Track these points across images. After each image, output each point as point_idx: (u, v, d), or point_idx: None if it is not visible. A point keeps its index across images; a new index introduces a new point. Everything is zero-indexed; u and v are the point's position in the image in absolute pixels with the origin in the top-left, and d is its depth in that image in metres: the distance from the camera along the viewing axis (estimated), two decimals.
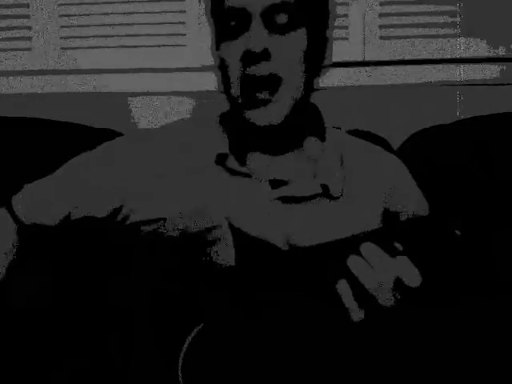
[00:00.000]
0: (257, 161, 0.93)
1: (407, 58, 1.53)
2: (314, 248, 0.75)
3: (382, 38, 1.54)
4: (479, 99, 1.48)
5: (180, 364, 0.73)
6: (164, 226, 0.89)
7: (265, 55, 0.84)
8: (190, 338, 0.74)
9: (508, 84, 1.48)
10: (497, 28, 1.50)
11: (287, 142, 0.94)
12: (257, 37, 0.84)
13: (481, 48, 1.51)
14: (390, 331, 0.84)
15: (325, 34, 0.93)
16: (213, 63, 1.61)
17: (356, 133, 1.35)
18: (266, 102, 0.86)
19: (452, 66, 1.49)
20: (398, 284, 0.70)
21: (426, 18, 1.53)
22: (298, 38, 0.87)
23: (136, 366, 0.78)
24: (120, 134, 1.42)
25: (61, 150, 1.39)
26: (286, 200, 0.90)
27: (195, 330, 0.74)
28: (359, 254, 0.72)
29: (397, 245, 0.71)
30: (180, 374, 0.73)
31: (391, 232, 0.72)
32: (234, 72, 0.87)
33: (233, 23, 0.86)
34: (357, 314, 0.72)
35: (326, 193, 0.91)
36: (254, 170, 0.92)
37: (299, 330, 0.80)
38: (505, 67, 1.48)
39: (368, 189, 0.95)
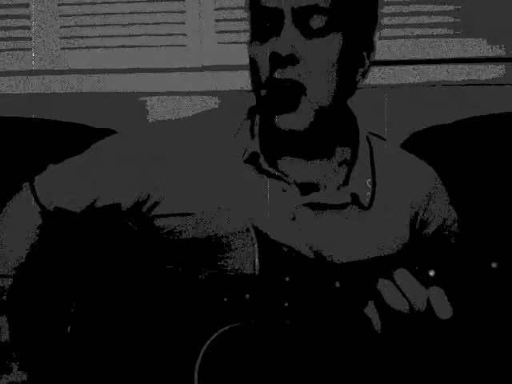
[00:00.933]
0: (288, 164, 0.91)
1: (407, 58, 1.52)
2: (344, 265, 0.75)
3: (381, 38, 1.54)
4: (479, 99, 1.48)
5: (197, 368, 0.73)
6: (188, 224, 0.87)
7: (291, 60, 0.81)
8: (208, 343, 0.74)
9: (508, 84, 1.48)
10: (497, 28, 1.50)
11: (316, 147, 0.91)
12: (285, 39, 0.81)
13: (481, 48, 1.51)
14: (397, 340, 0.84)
15: (368, 39, 0.90)
16: (212, 63, 1.61)
17: None
18: (290, 109, 0.83)
19: (452, 65, 1.49)
20: (429, 314, 0.69)
21: (425, 18, 1.52)
22: (331, 43, 0.83)
23: (150, 371, 0.78)
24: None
25: (61, 150, 1.39)
26: (314, 207, 0.88)
27: (214, 335, 0.74)
28: (390, 277, 0.70)
29: (431, 273, 0.70)
30: (196, 377, 0.73)
31: (425, 255, 0.72)
32: (262, 73, 0.84)
33: (266, 23, 0.84)
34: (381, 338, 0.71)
35: (355, 201, 0.89)
36: (285, 172, 0.90)
37: (319, 343, 0.80)
38: (505, 67, 1.48)
39: (398, 198, 0.93)
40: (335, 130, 0.91)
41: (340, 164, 0.92)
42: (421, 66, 1.50)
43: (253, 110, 0.95)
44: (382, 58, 1.54)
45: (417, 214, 0.95)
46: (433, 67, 1.50)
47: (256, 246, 0.75)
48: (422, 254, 0.74)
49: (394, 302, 0.70)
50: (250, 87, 0.90)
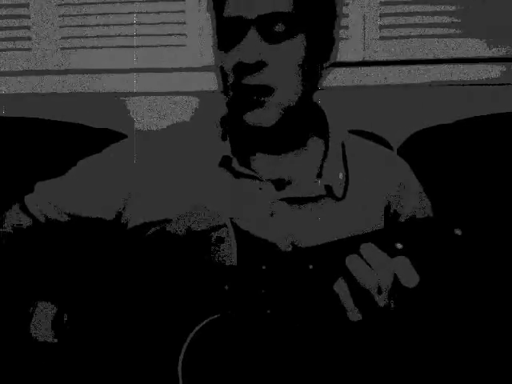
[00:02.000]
0: (260, 161, 0.93)
1: (407, 58, 1.53)
2: (315, 248, 0.75)
3: (382, 38, 1.54)
4: (479, 99, 1.48)
5: (181, 360, 0.74)
6: (169, 226, 0.89)
7: (257, 66, 0.84)
8: (192, 334, 0.75)
9: (508, 84, 1.48)
10: (497, 28, 1.50)
11: (287, 141, 0.93)
12: (249, 48, 0.84)
13: (481, 48, 1.51)
14: (387, 332, 0.84)
15: (329, 36, 0.92)
16: (212, 63, 1.61)
17: (356, 133, 1.35)
18: (258, 105, 0.86)
19: (452, 65, 1.49)
20: (397, 284, 0.70)
21: (425, 18, 1.52)
22: (296, 46, 0.85)
23: (135, 362, 0.79)
24: (120, 134, 1.43)
25: (61, 150, 1.39)
26: (290, 201, 0.90)
27: (198, 326, 0.75)
28: (359, 254, 0.71)
29: (398, 245, 0.71)
30: (180, 370, 0.74)
31: (392, 232, 0.72)
32: (230, 80, 0.87)
33: (230, 32, 0.86)
34: (355, 314, 0.72)
35: (330, 193, 0.91)
36: (258, 170, 0.92)
37: (300, 330, 0.80)
38: (505, 67, 1.48)
39: (371, 189, 0.95)
40: (303, 125, 0.94)
41: (313, 158, 0.95)
42: (421, 66, 1.50)
43: (224, 118, 0.99)
44: (382, 58, 1.54)
45: (390, 203, 0.97)
46: (433, 67, 1.50)
47: (233, 239, 0.78)
48: (390, 231, 0.74)
49: (361, 275, 0.70)
50: None
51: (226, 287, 0.76)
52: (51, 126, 1.43)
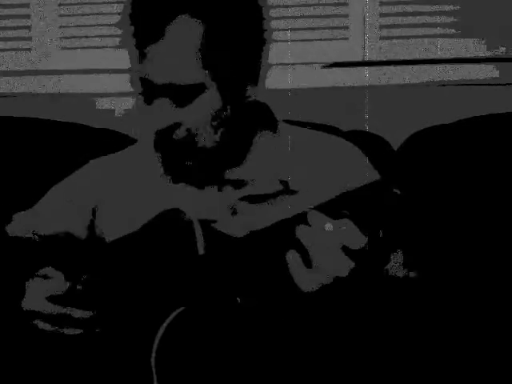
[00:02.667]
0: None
1: (407, 58, 1.53)
2: (269, 229, 0.77)
3: (382, 38, 1.54)
4: (479, 99, 1.48)
5: (154, 351, 0.75)
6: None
7: (171, 129, 0.88)
8: (165, 325, 0.76)
9: (508, 84, 1.48)
10: (497, 28, 1.50)
11: (228, 156, 0.95)
12: (160, 114, 0.88)
13: (481, 48, 1.51)
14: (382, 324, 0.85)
15: (254, 67, 0.93)
16: None
17: (355, 133, 1.35)
18: (187, 160, 0.91)
19: (452, 65, 1.49)
20: (348, 250, 0.70)
21: (426, 18, 1.52)
22: (207, 99, 0.88)
23: (110, 353, 0.80)
24: (119, 134, 1.43)
25: (61, 150, 1.40)
26: (251, 199, 0.93)
27: (171, 316, 0.76)
28: (305, 221, 0.72)
29: (344, 211, 0.71)
30: (153, 361, 0.75)
31: (341, 201, 0.73)
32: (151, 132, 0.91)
33: (144, 90, 0.91)
34: (306, 285, 0.72)
35: (287, 189, 0.93)
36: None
37: (270, 317, 0.82)
38: (505, 67, 1.48)
39: (324, 178, 0.95)
40: (240, 136, 0.96)
41: (265, 156, 0.97)
42: (421, 66, 1.50)
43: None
44: (382, 58, 1.54)
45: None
46: (433, 67, 1.50)
47: (200, 234, 0.81)
48: (340, 200, 0.74)
49: (308, 242, 0.71)
50: None
51: (194, 277, 0.79)
52: (51, 126, 1.43)
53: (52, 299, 0.80)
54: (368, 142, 1.34)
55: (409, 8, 1.53)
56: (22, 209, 1.05)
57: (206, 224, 0.83)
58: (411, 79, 1.50)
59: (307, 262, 0.71)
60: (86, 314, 0.81)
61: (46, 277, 0.83)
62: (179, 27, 0.85)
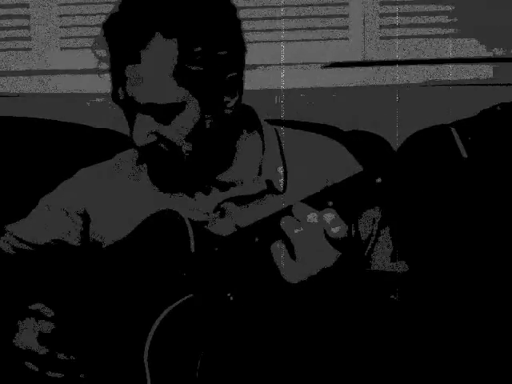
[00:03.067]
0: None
1: (407, 58, 1.53)
2: (256, 224, 0.79)
3: (382, 38, 1.54)
4: (479, 99, 1.48)
5: (147, 347, 0.77)
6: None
7: (154, 144, 0.89)
8: (157, 322, 0.78)
9: (507, 84, 1.48)
10: (496, 28, 1.50)
11: (214, 162, 0.96)
12: (139, 133, 0.89)
13: (480, 48, 1.51)
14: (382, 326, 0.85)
15: (237, 81, 0.93)
16: None
17: (356, 133, 1.35)
18: (171, 166, 0.92)
19: (452, 65, 1.49)
20: (331, 239, 0.71)
21: (426, 18, 1.52)
22: (188, 114, 0.88)
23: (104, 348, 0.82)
24: (119, 134, 1.43)
25: (61, 150, 1.40)
26: (237, 201, 0.94)
27: (162, 314, 0.78)
28: (290, 213, 0.73)
29: (329, 202, 0.72)
30: (146, 358, 0.77)
31: (325, 194, 0.74)
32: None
33: (126, 108, 0.91)
34: (291, 276, 0.73)
35: (271, 188, 0.94)
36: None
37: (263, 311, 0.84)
38: (504, 67, 1.48)
39: (311, 178, 0.96)
40: (223, 142, 0.96)
41: (251, 157, 0.98)
42: (421, 66, 1.50)
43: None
44: (382, 58, 1.54)
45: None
46: (433, 67, 1.50)
47: (191, 232, 0.83)
48: (324, 192, 0.76)
49: (292, 232, 0.71)
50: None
51: (184, 274, 0.81)
52: (51, 126, 1.43)
53: (41, 338, 0.82)
54: (368, 142, 1.34)
55: (409, 8, 1.53)
56: (22, 209, 1.06)
57: (196, 224, 0.85)
58: (411, 79, 1.50)
59: (292, 254, 0.72)
60: (70, 357, 0.82)
61: (36, 313, 0.84)
62: (154, 49, 0.86)
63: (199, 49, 0.87)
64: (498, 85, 1.48)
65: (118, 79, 0.90)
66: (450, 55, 1.52)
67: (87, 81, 1.57)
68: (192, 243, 0.82)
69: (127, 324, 0.82)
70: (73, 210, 1.03)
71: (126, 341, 0.81)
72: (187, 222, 0.84)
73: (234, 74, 0.91)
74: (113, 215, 0.99)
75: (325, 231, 0.71)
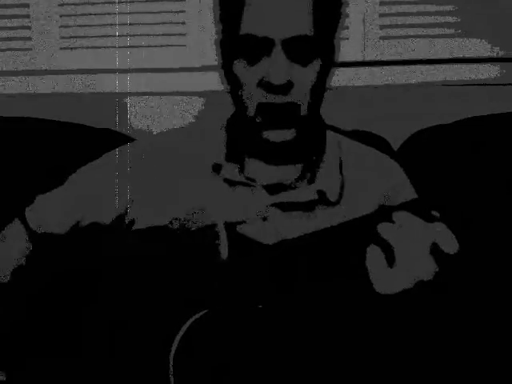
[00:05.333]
0: (256, 169, 0.94)
1: (407, 58, 1.53)
2: (301, 238, 0.75)
3: (382, 38, 1.54)
4: (479, 99, 1.48)
5: (173, 353, 0.74)
6: (167, 226, 0.90)
7: (285, 89, 0.84)
8: (184, 329, 0.75)
9: (508, 84, 1.48)
10: (497, 28, 1.50)
11: (295, 154, 0.94)
12: (279, 70, 0.83)
13: (481, 48, 1.51)
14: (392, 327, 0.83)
15: (333, 51, 0.93)
16: (212, 63, 1.61)
17: (356, 133, 1.35)
18: (284, 125, 0.87)
19: (452, 65, 1.49)
20: (436, 253, 0.66)
21: (425, 18, 1.52)
22: (315, 69, 0.87)
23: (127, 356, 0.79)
24: (120, 134, 1.43)
25: (61, 150, 1.39)
26: (283, 207, 0.90)
27: (189, 321, 0.75)
28: (390, 220, 0.68)
29: (434, 213, 0.67)
30: (171, 365, 0.74)
31: (379, 215, 0.69)
32: (251, 95, 0.87)
33: (251, 46, 0.85)
34: (385, 285, 0.67)
35: (323, 198, 0.91)
36: (253, 176, 0.93)
37: (295, 323, 0.80)
38: (505, 67, 1.48)
39: (368, 194, 0.95)
40: (311, 138, 0.95)
41: (309, 164, 0.95)
42: (421, 66, 1.50)
43: (231, 121, 0.99)
44: (382, 58, 1.54)
45: (383, 206, 0.96)
46: (433, 67, 1.50)
47: (225, 237, 0.79)
48: (380, 215, 0.70)
49: (395, 239, 0.66)
50: None
51: (217, 282, 0.77)
52: (52, 126, 1.43)
53: None
54: (368, 142, 1.34)
55: (409, 8, 1.53)
56: (23, 208, 1.03)
57: (231, 227, 0.81)
58: (411, 79, 1.50)
59: (390, 261, 0.66)
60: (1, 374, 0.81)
61: None
62: None
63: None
64: (498, 85, 1.48)
65: (233, 21, 0.87)
66: (450, 55, 1.52)
67: (87, 81, 1.57)
68: (224, 248, 0.79)
69: (150, 331, 0.80)
70: (120, 188, 0.97)
71: (148, 347, 0.78)
72: (220, 225, 0.80)
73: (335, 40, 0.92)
74: (151, 202, 0.95)
75: (433, 243, 0.65)
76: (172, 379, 0.74)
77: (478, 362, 0.89)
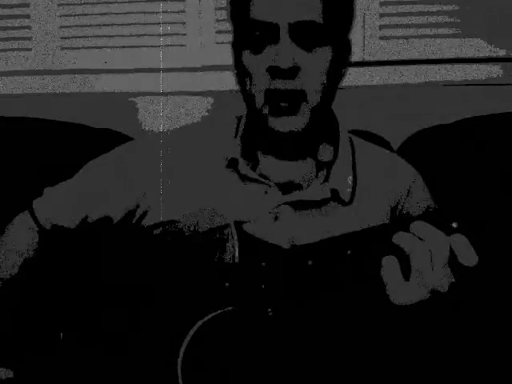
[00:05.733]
0: (271, 165, 0.93)
1: (407, 58, 1.53)
2: (314, 244, 0.74)
3: (382, 38, 1.54)
4: (479, 99, 1.48)
5: (181, 357, 0.74)
6: (175, 226, 0.90)
7: (292, 72, 0.84)
8: (191, 333, 0.75)
9: (508, 84, 1.48)
10: (497, 28, 1.50)
11: (304, 148, 0.93)
12: (285, 53, 0.83)
13: (481, 48, 1.51)
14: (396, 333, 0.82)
15: (348, 43, 0.93)
16: (212, 63, 1.61)
17: (356, 133, 1.35)
18: (290, 113, 0.86)
19: (452, 65, 1.49)
20: (453, 265, 0.64)
21: (426, 18, 1.52)
22: (324, 55, 0.86)
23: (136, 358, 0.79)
24: (120, 134, 1.43)
25: (61, 150, 1.40)
26: (296, 205, 0.90)
27: (197, 325, 0.75)
28: (406, 230, 0.66)
29: (454, 224, 0.65)
30: (179, 367, 0.74)
31: (395, 226, 0.68)
32: (259, 83, 0.86)
33: (258, 33, 0.85)
34: (401, 296, 0.66)
35: (335, 197, 0.91)
36: (267, 173, 0.93)
37: (304, 328, 0.80)
38: (505, 67, 1.48)
39: (379, 194, 0.94)
40: (321, 131, 0.94)
41: (322, 163, 0.94)
42: (421, 66, 1.50)
43: (241, 118, 0.99)
44: (382, 58, 1.54)
45: (395, 208, 0.96)
46: (433, 67, 1.50)
47: (236, 239, 0.77)
48: (395, 226, 0.68)
49: (412, 248, 0.64)
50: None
51: (227, 284, 0.76)
52: (52, 126, 1.43)
53: None
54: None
55: (409, 8, 1.53)
56: (22, 209, 1.03)
57: (242, 227, 0.80)
58: (411, 79, 1.50)
59: (406, 272, 0.65)
60: (7, 373, 0.80)
61: None
62: None
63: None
64: (498, 85, 1.48)
65: (242, 13, 0.87)
66: (451, 55, 1.52)
67: (87, 81, 1.57)
68: (237, 253, 0.77)
69: (159, 331, 0.79)
70: (131, 182, 0.96)
71: (157, 348, 0.78)
72: (233, 227, 0.79)
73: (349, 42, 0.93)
74: (165, 196, 0.94)
75: (453, 255, 0.64)
76: (181, 382, 0.74)
77: (492, 372, 0.88)
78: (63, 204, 0.98)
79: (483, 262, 0.65)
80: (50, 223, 0.98)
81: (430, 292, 0.65)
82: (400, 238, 0.66)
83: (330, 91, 0.90)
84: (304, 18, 0.83)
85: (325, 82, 0.87)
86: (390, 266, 0.66)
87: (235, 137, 0.96)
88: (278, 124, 0.86)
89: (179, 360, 0.74)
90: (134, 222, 0.96)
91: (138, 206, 0.95)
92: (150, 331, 0.79)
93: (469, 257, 0.64)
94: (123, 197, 0.95)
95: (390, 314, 0.69)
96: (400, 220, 0.68)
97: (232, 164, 0.92)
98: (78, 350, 0.81)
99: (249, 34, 0.86)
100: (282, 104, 0.85)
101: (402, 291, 0.66)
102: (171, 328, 0.77)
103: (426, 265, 0.64)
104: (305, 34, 0.84)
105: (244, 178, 0.92)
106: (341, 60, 0.91)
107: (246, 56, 0.87)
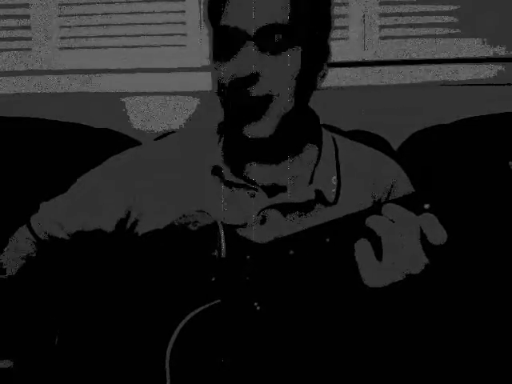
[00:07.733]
0: (255, 169, 0.94)
1: (407, 58, 1.53)
2: (295, 235, 0.74)
3: (382, 38, 1.54)
4: (479, 99, 1.48)
5: (169, 351, 0.74)
6: (166, 228, 0.90)
7: (252, 79, 0.83)
8: (178, 329, 0.75)
9: (508, 84, 1.48)
10: (497, 28, 1.50)
11: (283, 150, 0.93)
12: (244, 61, 0.83)
13: (481, 48, 1.51)
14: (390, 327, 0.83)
15: (325, 47, 0.92)
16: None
17: (356, 133, 1.35)
18: (256, 118, 0.85)
19: (452, 65, 1.49)
20: (427, 246, 0.65)
21: (426, 18, 1.53)
22: (292, 58, 0.85)
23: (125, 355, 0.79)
24: (119, 134, 1.43)
25: (61, 150, 1.40)
26: (282, 208, 0.90)
27: (183, 321, 0.75)
28: (378, 213, 0.67)
29: (426, 205, 0.66)
30: (167, 361, 0.74)
31: (374, 211, 0.69)
32: (227, 91, 0.87)
33: (226, 42, 0.85)
34: (375, 279, 0.67)
35: (320, 198, 0.91)
36: (252, 177, 0.93)
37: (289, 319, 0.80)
38: (505, 67, 1.48)
39: (364, 191, 0.95)
40: (299, 132, 0.93)
41: (306, 164, 0.94)
42: (421, 66, 1.50)
43: (220, 125, 0.99)
44: (382, 58, 1.54)
45: (379, 201, 0.96)
46: (433, 67, 1.50)
47: (223, 236, 0.78)
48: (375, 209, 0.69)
49: (383, 230, 0.66)
50: None
51: (213, 279, 0.77)
52: (52, 126, 1.43)
53: None
54: (368, 142, 1.34)
55: (409, 8, 1.53)
56: (22, 209, 1.04)
57: (230, 228, 0.81)
58: (411, 79, 1.50)
59: (378, 254, 0.66)
60: (6, 363, 0.80)
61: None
62: None
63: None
64: (499, 85, 1.48)
65: (217, 14, 0.87)
66: (451, 55, 1.52)
67: (87, 81, 1.57)
68: (223, 248, 0.79)
69: (148, 326, 0.80)
70: (120, 194, 0.96)
71: (145, 343, 0.79)
72: (220, 226, 0.80)
73: (327, 46, 0.91)
74: (154, 204, 0.95)
75: (422, 235, 0.65)
76: (168, 377, 0.74)
77: (469, 354, 0.88)
78: (57, 218, 0.99)
79: (456, 242, 0.66)
80: (47, 235, 1.00)
81: (404, 274, 0.66)
82: (372, 221, 0.67)
83: (304, 94, 0.89)
84: (270, 21, 0.83)
85: (294, 85, 0.86)
86: (362, 249, 0.67)
87: (218, 143, 0.97)
88: (246, 131, 0.86)
89: (167, 353, 0.74)
90: (126, 230, 0.98)
91: (128, 215, 0.97)
92: (138, 325, 0.80)
93: (437, 234, 0.65)
94: (113, 209, 0.97)
95: (366, 297, 0.69)
96: (375, 205, 0.69)
97: (216, 171, 0.93)
98: (72, 343, 0.81)
99: (220, 42, 0.87)
100: (247, 111, 0.85)
101: (375, 273, 0.67)
102: (159, 326, 0.78)
103: (397, 245, 0.65)
104: (271, 38, 0.83)
105: (230, 184, 0.92)
106: (316, 63, 0.90)
107: (216, 67, 0.88)
